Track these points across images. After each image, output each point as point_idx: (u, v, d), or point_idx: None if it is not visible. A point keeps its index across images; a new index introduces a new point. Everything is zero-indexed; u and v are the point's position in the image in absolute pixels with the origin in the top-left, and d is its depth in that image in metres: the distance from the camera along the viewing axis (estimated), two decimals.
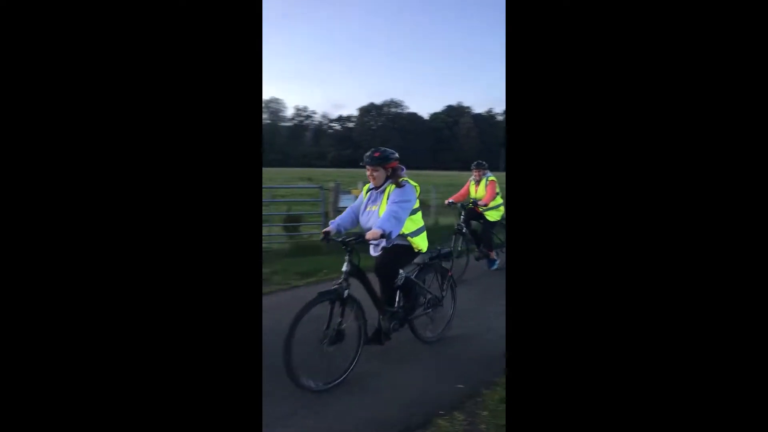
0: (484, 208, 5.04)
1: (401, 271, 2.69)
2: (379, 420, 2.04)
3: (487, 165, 5.39)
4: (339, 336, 2.41)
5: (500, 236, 5.36)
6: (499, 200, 5.25)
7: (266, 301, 2.98)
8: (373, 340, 2.63)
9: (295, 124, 78.76)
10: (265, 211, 6.18)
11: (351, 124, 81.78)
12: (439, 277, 3.09)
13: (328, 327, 2.37)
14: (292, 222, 6.57)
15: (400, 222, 2.46)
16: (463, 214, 5.07)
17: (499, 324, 3.14)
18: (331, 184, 6.30)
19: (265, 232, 6.05)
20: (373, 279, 2.59)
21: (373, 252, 2.63)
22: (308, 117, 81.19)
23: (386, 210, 2.48)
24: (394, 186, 2.56)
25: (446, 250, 3.13)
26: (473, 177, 5.25)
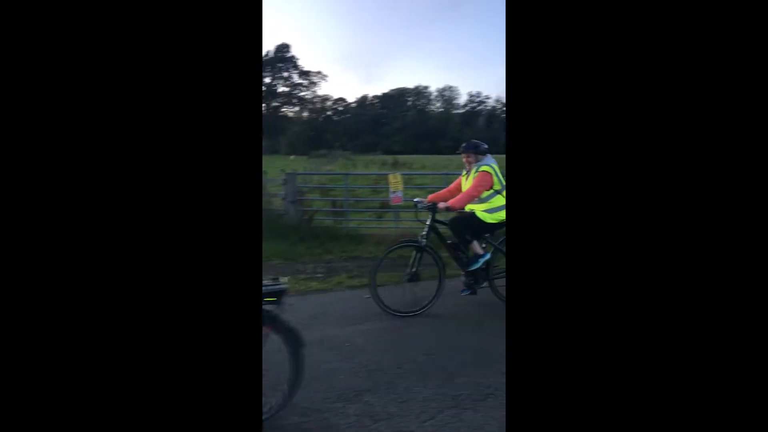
0: (462, 211, 3.60)
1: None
2: None
3: (485, 147, 3.74)
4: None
5: (500, 258, 3.76)
6: (496, 201, 3.63)
7: None
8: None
9: (468, 111, 78.24)
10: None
11: None
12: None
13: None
14: None
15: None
16: (429, 221, 3.72)
17: None
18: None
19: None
20: None
21: None
22: (481, 102, 79.82)
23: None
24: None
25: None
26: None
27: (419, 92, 72.85)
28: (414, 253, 3.73)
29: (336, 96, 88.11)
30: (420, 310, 3.63)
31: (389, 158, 28.84)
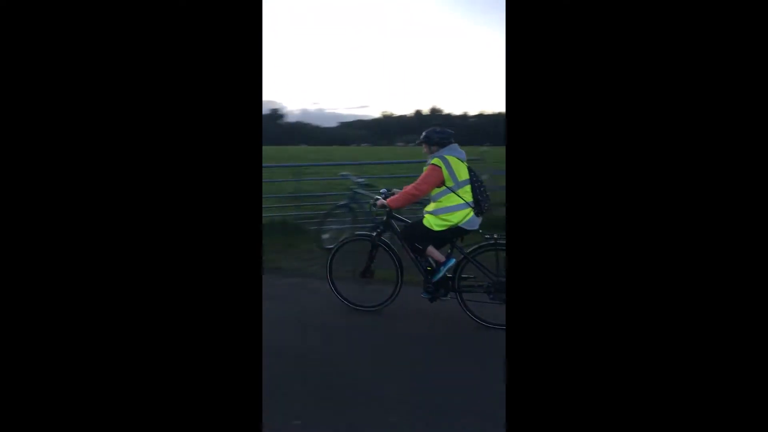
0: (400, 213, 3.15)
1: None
2: None
3: (442, 136, 3.09)
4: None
5: (471, 270, 3.17)
6: (447, 200, 3.05)
7: None
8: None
9: None
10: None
11: None
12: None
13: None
14: None
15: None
16: (384, 218, 3.39)
17: None
18: None
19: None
20: None
21: None
22: None
23: None
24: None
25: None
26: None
27: None
28: (369, 247, 3.47)
29: None
30: (377, 306, 3.43)
31: None
